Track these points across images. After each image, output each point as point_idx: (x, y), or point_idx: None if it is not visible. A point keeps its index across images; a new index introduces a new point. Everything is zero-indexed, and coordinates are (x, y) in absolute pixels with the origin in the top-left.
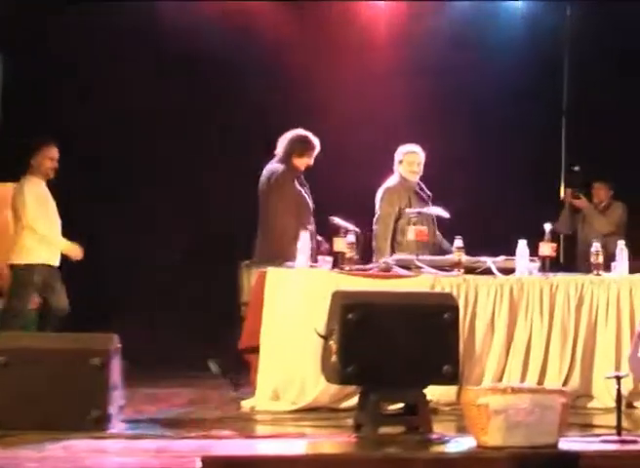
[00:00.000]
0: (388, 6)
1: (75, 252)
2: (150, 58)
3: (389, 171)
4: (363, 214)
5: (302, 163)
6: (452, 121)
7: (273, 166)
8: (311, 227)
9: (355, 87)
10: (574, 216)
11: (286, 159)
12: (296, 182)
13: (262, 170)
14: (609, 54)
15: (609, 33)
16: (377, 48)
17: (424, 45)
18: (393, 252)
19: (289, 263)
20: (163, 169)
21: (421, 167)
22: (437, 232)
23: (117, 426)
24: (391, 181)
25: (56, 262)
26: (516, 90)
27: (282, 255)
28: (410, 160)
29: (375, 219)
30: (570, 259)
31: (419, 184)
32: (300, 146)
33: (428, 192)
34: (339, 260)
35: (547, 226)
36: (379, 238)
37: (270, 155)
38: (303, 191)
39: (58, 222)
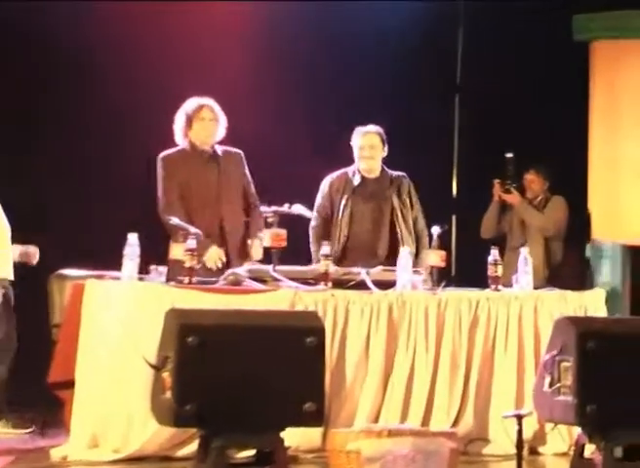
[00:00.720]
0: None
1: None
2: None
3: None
4: None
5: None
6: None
7: None
8: None
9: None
10: (502, 217)
11: None
12: None
13: None
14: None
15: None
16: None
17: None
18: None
19: (113, 274)
20: None
21: (377, 151)
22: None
23: None
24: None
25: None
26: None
27: None
28: (359, 142)
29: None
30: (464, 271)
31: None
32: None
33: (410, 189)
34: (174, 271)
35: (435, 229)
36: (311, 241)
37: None
38: None
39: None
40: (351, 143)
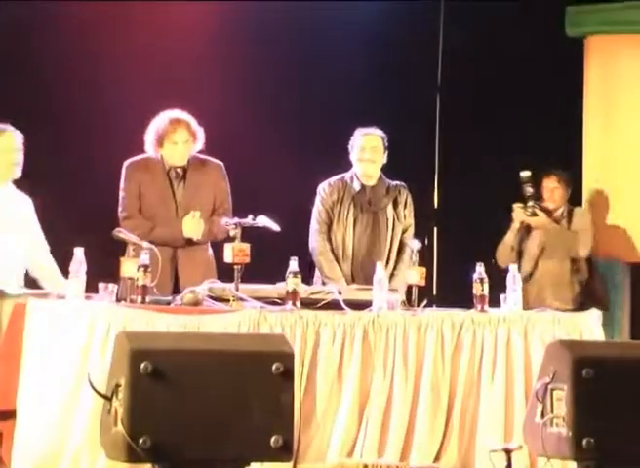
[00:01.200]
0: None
1: None
2: None
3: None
4: None
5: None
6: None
7: None
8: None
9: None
10: (523, 241)
11: None
12: None
13: None
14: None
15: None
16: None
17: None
18: None
19: (58, 293)
20: None
21: (378, 155)
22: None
23: None
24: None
25: None
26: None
27: None
28: (360, 143)
29: None
30: (446, 289)
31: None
32: None
33: (407, 200)
34: (125, 290)
35: (413, 243)
36: (314, 255)
37: None
38: None
39: None
40: (349, 146)
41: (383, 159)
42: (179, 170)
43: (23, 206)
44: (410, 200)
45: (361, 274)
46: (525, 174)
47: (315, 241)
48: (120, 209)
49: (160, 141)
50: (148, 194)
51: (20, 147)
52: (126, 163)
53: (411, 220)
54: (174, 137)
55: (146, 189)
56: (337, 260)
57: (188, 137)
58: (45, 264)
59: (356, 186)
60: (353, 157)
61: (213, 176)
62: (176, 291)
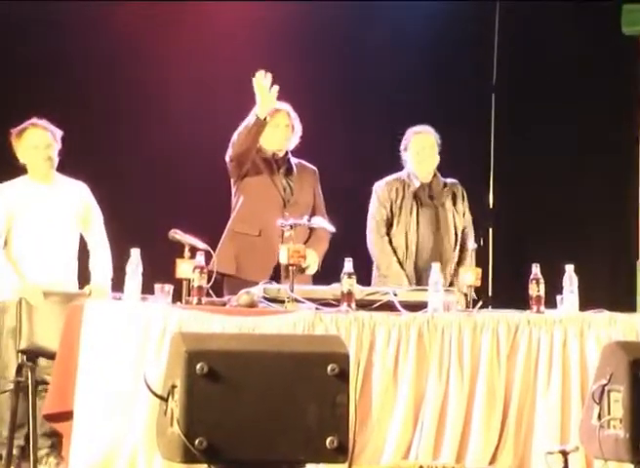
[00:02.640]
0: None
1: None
2: None
3: None
4: None
5: None
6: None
7: None
8: None
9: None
10: None
11: None
12: None
13: None
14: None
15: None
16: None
17: None
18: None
19: (114, 294)
20: None
21: (435, 152)
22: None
23: None
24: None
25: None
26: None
27: None
28: (417, 143)
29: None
30: (502, 290)
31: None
32: None
33: (464, 195)
34: (182, 291)
35: (470, 245)
36: (372, 254)
37: None
38: None
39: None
40: (402, 147)
41: (438, 157)
42: (279, 158)
43: (73, 198)
44: (465, 197)
45: (425, 273)
46: None
47: (373, 239)
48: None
49: None
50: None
51: (51, 143)
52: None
53: (468, 216)
54: (277, 119)
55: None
56: (398, 260)
57: (289, 122)
58: (93, 257)
59: (416, 183)
60: (409, 156)
61: (312, 179)
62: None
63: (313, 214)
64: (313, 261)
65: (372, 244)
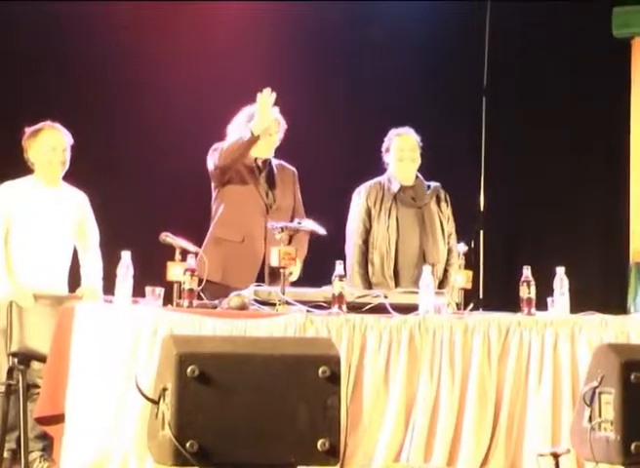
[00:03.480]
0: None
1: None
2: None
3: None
4: None
5: None
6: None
7: None
8: None
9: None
10: None
11: None
12: None
13: None
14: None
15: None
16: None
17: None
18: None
19: (105, 297)
20: None
21: (416, 154)
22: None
23: None
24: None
25: None
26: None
27: None
28: (397, 144)
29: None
30: (493, 292)
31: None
32: None
33: (447, 199)
34: (174, 293)
35: (460, 247)
36: (347, 257)
37: None
38: None
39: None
40: (383, 149)
41: (419, 159)
42: (260, 163)
43: (74, 206)
44: (448, 200)
45: (407, 275)
46: None
47: (351, 246)
48: (211, 165)
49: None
50: (238, 173)
51: (66, 146)
52: (213, 147)
53: (452, 223)
54: (271, 128)
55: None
56: (374, 264)
57: (278, 129)
58: (83, 263)
59: (395, 186)
60: (390, 158)
61: (291, 181)
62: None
63: (292, 215)
64: (296, 269)
65: (350, 251)
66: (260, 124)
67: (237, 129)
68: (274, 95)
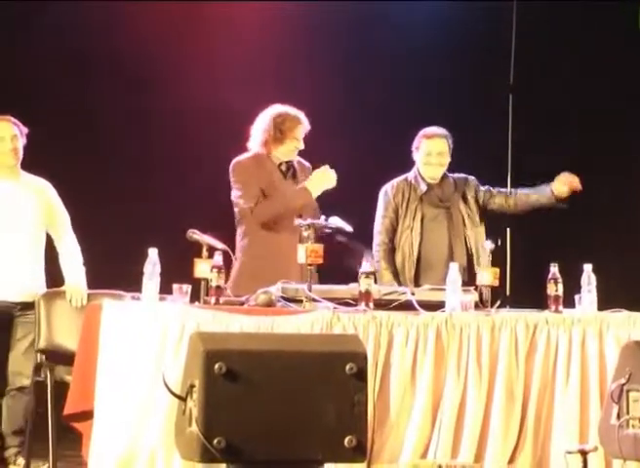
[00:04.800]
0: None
1: None
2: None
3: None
4: None
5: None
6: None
7: None
8: None
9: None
10: None
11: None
12: None
13: None
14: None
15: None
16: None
17: None
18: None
19: (132, 294)
20: None
21: (444, 158)
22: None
23: None
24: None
25: None
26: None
27: None
28: (426, 148)
29: None
30: (520, 290)
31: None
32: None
33: (475, 192)
34: (201, 291)
35: (487, 244)
36: (374, 256)
37: None
38: None
39: None
40: (413, 147)
41: (449, 158)
42: (284, 166)
43: (36, 196)
44: (480, 188)
45: (433, 275)
46: None
47: (376, 245)
48: (242, 201)
49: (282, 138)
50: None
51: (15, 134)
52: (235, 161)
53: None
54: (297, 133)
55: (262, 185)
56: (394, 271)
57: (304, 132)
58: (61, 253)
59: (423, 187)
60: (418, 158)
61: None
62: None
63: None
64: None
65: (376, 249)
66: (319, 189)
67: (259, 145)
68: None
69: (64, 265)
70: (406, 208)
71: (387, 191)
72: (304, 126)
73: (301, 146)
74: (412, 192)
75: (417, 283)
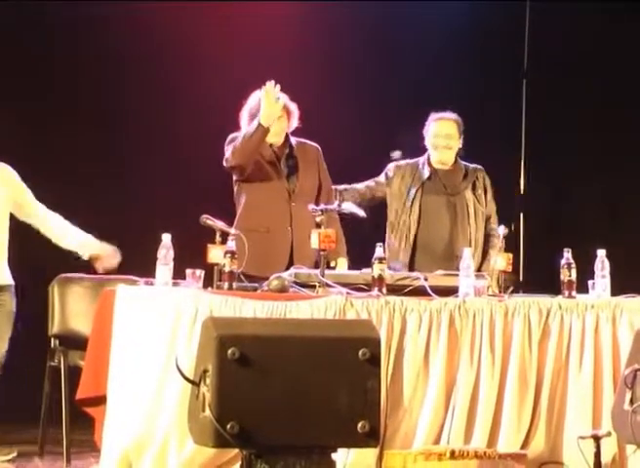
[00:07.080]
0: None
1: None
2: None
3: None
4: None
5: None
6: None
7: None
8: None
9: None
10: None
11: None
12: None
13: None
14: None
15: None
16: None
17: None
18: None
19: (146, 280)
20: None
21: (453, 141)
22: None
23: None
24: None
25: None
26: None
27: None
28: (434, 129)
29: None
30: (533, 275)
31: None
32: None
33: (486, 183)
34: (214, 276)
35: (500, 230)
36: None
37: None
38: None
39: None
40: (424, 131)
41: (459, 144)
42: (277, 148)
43: (2, 183)
44: (489, 183)
45: (433, 262)
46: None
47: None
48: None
49: (253, 118)
50: (256, 165)
51: None
52: (229, 137)
53: (493, 204)
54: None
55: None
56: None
57: (283, 112)
58: (52, 224)
59: (425, 173)
60: (427, 142)
61: (314, 158)
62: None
63: (319, 191)
64: (343, 261)
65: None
66: (268, 116)
67: (247, 122)
68: (278, 86)
69: (70, 237)
70: (407, 191)
71: (389, 170)
72: (281, 106)
73: (283, 126)
74: (416, 176)
75: (411, 268)
